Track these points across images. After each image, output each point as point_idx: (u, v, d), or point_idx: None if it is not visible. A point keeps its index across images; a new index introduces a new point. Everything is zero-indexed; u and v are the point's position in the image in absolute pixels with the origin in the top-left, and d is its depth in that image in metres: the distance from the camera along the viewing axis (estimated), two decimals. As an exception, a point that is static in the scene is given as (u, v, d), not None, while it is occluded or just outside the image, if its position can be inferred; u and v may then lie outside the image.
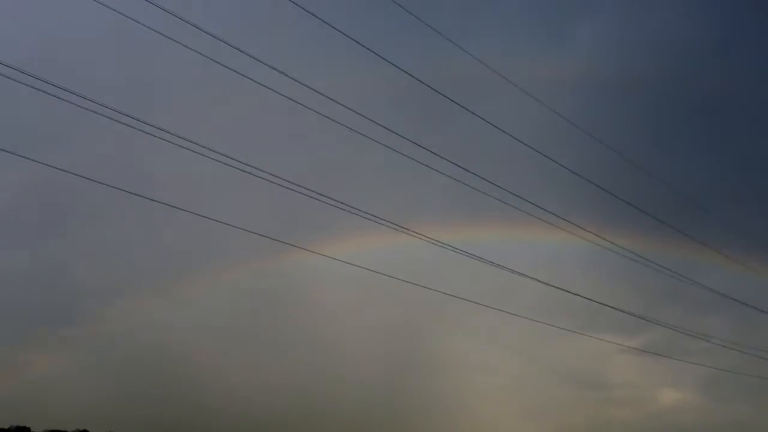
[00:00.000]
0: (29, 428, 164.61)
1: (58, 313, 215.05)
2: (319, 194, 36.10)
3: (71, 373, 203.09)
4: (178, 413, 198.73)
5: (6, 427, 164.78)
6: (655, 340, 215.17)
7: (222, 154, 31.82)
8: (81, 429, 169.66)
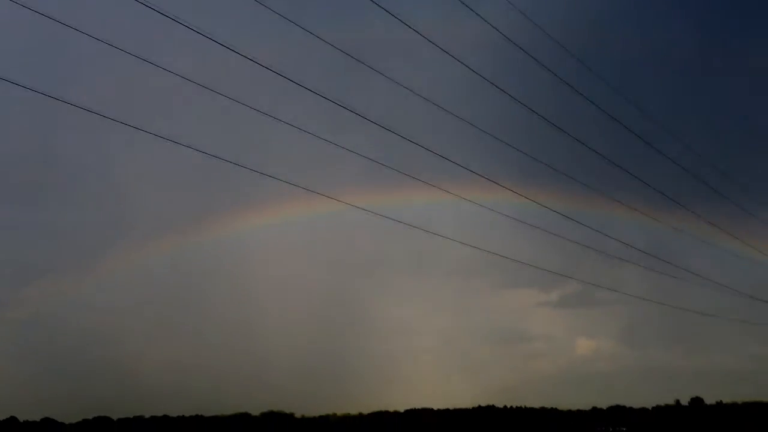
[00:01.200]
0: None
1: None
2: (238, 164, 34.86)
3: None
4: (102, 394, 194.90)
5: None
6: (571, 293, 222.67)
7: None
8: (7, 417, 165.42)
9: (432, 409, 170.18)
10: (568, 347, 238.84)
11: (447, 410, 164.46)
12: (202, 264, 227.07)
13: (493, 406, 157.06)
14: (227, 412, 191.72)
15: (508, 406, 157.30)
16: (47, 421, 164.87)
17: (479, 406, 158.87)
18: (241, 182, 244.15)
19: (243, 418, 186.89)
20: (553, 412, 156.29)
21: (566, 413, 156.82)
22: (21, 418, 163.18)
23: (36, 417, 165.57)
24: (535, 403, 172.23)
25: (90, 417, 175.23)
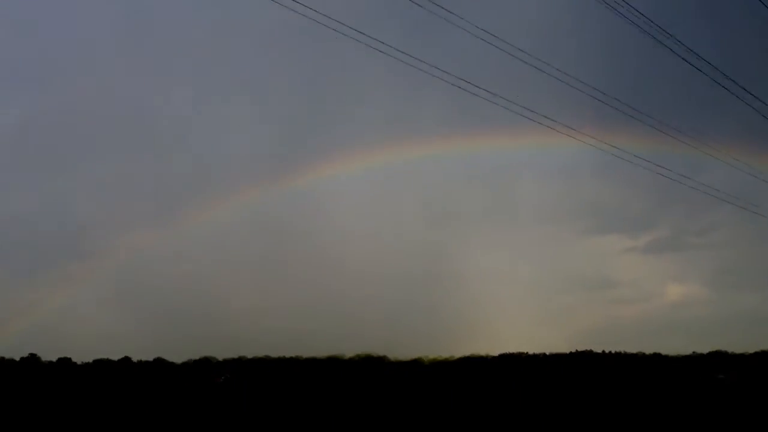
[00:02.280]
0: (39, 357, 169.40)
1: (65, 251, 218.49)
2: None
3: (83, 306, 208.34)
4: (188, 339, 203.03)
5: (19, 357, 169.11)
6: (659, 239, 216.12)
7: None
8: (100, 358, 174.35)
9: (526, 353, 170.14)
10: (658, 293, 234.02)
11: (542, 355, 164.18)
12: (284, 214, 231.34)
13: (591, 350, 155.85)
14: (321, 355, 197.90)
15: (607, 351, 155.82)
16: (159, 361, 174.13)
17: (576, 351, 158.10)
18: (319, 132, 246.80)
19: (336, 361, 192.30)
20: (655, 357, 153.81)
21: (666, 358, 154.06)
22: (134, 358, 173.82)
23: (149, 357, 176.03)
24: (630, 348, 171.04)
25: (196, 357, 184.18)
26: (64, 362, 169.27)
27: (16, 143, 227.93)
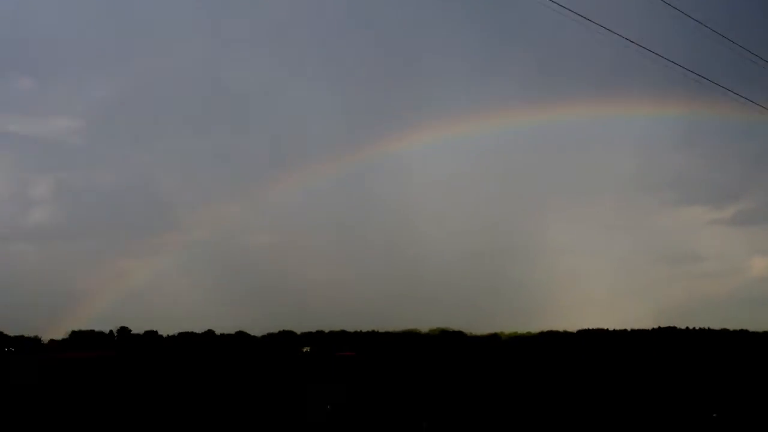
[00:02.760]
0: (130, 329, 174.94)
1: (151, 223, 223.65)
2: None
3: (168, 278, 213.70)
4: (268, 312, 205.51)
5: (109, 330, 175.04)
6: (746, 210, 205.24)
7: None
8: (184, 331, 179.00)
9: (606, 329, 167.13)
10: (743, 267, 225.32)
11: (623, 331, 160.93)
12: (366, 184, 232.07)
13: (675, 327, 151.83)
14: (399, 329, 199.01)
15: (691, 328, 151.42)
16: (240, 334, 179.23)
17: (659, 327, 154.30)
18: (401, 103, 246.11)
19: (413, 335, 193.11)
20: (742, 333, 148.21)
21: (754, 335, 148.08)
22: (217, 331, 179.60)
23: (231, 328, 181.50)
24: (714, 324, 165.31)
25: (275, 331, 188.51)
26: (151, 335, 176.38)
27: (105, 120, 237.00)
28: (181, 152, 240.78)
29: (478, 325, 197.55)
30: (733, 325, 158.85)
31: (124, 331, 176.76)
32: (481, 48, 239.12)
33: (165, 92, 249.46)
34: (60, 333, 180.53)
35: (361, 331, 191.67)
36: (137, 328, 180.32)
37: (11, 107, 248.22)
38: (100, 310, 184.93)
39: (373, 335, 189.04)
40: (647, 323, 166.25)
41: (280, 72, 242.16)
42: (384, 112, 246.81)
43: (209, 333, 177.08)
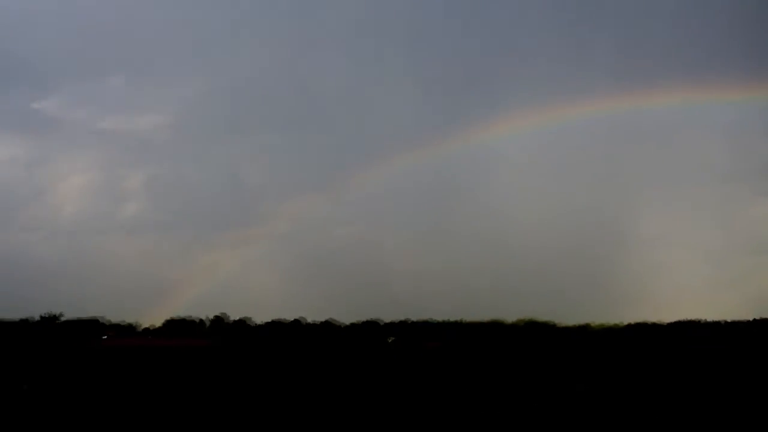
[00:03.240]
0: (223, 317, 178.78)
1: (238, 216, 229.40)
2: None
3: (254, 268, 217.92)
4: (355, 300, 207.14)
5: (204, 317, 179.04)
6: None
7: None
8: (275, 319, 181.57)
9: (701, 321, 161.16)
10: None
11: (718, 323, 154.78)
12: (449, 175, 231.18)
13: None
14: (484, 319, 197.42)
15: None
16: (327, 324, 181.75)
17: (760, 318, 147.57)
18: (484, 91, 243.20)
19: (498, 325, 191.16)
20: None
21: None
22: (306, 320, 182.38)
23: (319, 319, 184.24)
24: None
25: (360, 321, 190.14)
26: (241, 324, 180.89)
27: (193, 117, 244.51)
28: (265, 147, 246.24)
29: (566, 316, 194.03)
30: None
31: (218, 320, 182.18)
32: (569, 33, 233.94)
33: (249, 89, 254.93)
34: (154, 321, 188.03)
35: (447, 321, 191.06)
36: (227, 317, 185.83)
37: (103, 105, 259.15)
38: (189, 300, 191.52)
39: (458, 326, 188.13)
40: (742, 315, 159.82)
41: (362, 64, 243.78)
42: (469, 101, 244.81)
43: (297, 322, 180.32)
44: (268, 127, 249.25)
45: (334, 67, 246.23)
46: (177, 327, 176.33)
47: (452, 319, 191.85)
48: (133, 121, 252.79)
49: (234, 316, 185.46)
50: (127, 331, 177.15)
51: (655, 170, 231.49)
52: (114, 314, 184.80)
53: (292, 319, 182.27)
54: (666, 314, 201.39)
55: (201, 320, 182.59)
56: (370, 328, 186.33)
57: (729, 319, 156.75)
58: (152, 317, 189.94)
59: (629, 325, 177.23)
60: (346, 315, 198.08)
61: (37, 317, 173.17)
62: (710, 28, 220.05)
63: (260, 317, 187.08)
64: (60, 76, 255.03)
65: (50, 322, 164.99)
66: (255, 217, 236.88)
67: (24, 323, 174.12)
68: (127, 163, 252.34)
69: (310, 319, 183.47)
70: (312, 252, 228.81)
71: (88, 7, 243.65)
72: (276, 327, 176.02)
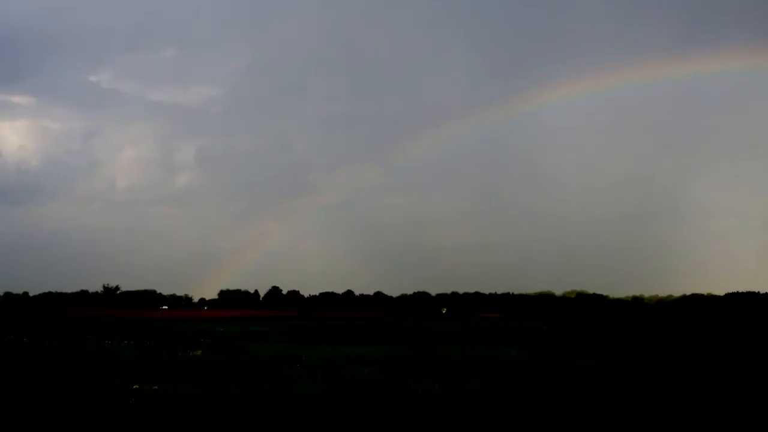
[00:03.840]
0: (280, 289, 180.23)
1: (288, 187, 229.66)
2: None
3: (305, 239, 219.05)
4: (406, 271, 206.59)
5: (257, 289, 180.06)
6: None
7: None
8: (345, 290, 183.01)
9: (757, 292, 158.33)
10: None
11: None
12: (505, 144, 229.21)
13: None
14: (532, 291, 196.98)
15: None
16: (378, 295, 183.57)
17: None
18: (540, 58, 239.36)
19: (548, 297, 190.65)
20: None
21: None
22: (356, 292, 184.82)
23: (369, 291, 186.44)
24: None
25: (410, 292, 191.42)
26: (294, 294, 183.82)
27: (244, 88, 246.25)
28: (316, 117, 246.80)
29: (617, 288, 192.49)
30: None
31: (275, 291, 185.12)
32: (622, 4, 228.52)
33: (300, 58, 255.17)
34: (208, 292, 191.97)
35: (495, 293, 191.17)
36: (282, 287, 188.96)
37: (156, 77, 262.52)
38: (243, 271, 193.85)
39: (509, 297, 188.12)
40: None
41: (414, 32, 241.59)
42: (523, 67, 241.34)
43: (349, 293, 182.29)
44: (320, 96, 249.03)
45: (387, 36, 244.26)
46: (232, 298, 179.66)
47: (500, 291, 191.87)
48: (185, 92, 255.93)
49: (284, 287, 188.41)
50: (182, 302, 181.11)
51: (711, 139, 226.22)
52: (166, 286, 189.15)
53: (342, 291, 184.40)
54: (722, 286, 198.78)
55: (256, 291, 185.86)
56: (420, 299, 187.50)
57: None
58: (204, 289, 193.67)
59: (684, 297, 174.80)
60: (397, 286, 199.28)
61: (94, 289, 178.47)
62: None
63: (312, 288, 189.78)
64: (114, 48, 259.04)
65: (111, 293, 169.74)
66: (305, 187, 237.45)
67: (84, 294, 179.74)
68: (179, 134, 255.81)
69: (358, 292, 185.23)
70: (362, 222, 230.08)
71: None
72: (327, 298, 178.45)
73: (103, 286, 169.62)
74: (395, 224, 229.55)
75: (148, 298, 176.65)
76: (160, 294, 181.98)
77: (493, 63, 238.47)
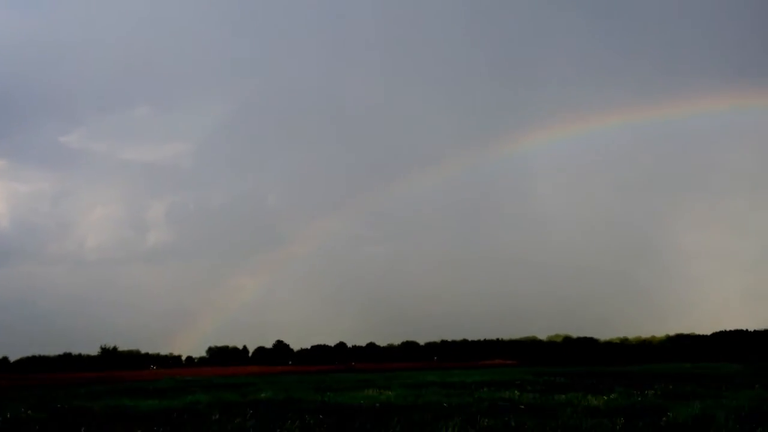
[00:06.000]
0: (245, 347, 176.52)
1: (261, 241, 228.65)
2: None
3: (280, 292, 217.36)
4: (380, 318, 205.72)
5: (232, 346, 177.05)
6: None
7: None
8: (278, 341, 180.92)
9: (745, 330, 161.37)
10: None
11: (765, 331, 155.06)
12: (483, 190, 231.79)
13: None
14: (517, 337, 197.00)
15: None
16: (371, 346, 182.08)
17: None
18: (517, 102, 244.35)
19: (533, 343, 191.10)
20: None
21: None
22: (349, 343, 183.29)
23: (362, 342, 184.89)
24: None
25: (398, 343, 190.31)
26: (283, 347, 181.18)
27: (214, 143, 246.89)
28: (288, 170, 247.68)
29: (601, 331, 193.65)
30: None
31: (261, 348, 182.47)
32: (603, 48, 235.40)
33: (271, 112, 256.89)
34: (190, 350, 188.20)
35: (484, 339, 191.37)
36: (262, 341, 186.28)
37: (128, 135, 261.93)
38: (218, 327, 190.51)
39: (498, 344, 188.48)
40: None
41: (388, 81, 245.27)
42: (498, 113, 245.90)
43: (341, 345, 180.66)
44: (292, 149, 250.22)
45: (359, 85, 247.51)
46: (221, 355, 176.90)
47: (487, 338, 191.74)
48: (155, 150, 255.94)
49: (261, 342, 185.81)
50: (170, 361, 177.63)
51: (691, 181, 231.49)
52: (141, 345, 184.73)
53: (334, 343, 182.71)
54: (707, 326, 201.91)
55: (244, 347, 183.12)
56: (408, 349, 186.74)
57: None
58: (179, 346, 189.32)
59: (670, 337, 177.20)
60: (379, 337, 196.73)
61: (75, 351, 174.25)
62: (746, 35, 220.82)
63: (294, 342, 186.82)
64: (85, 108, 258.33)
65: (110, 355, 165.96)
66: (279, 240, 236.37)
67: (67, 357, 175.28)
68: (150, 192, 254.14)
69: (353, 343, 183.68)
70: (338, 273, 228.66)
71: (111, 41, 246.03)
72: (319, 351, 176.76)
73: (101, 348, 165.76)
74: (373, 274, 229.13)
75: (135, 358, 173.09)
76: (147, 354, 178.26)
77: (466, 110, 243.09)
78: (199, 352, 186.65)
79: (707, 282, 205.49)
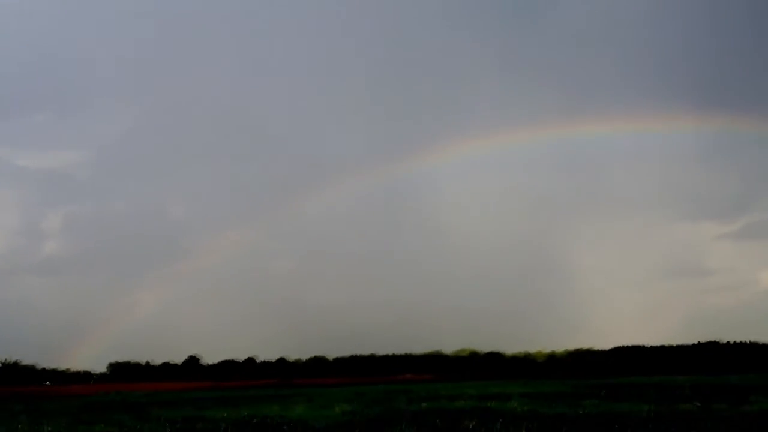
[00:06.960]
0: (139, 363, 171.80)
1: (162, 253, 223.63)
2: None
3: (181, 306, 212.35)
4: (287, 334, 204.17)
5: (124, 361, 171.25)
6: (756, 223, 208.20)
7: None
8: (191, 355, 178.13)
9: (642, 346, 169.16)
10: (752, 281, 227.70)
11: (660, 347, 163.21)
12: (392, 205, 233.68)
13: (717, 342, 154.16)
14: (422, 351, 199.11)
15: (732, 342, 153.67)
16: (281, 361, 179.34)
17: (699, 343, 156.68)
18: (430, 119, 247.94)
19: (437, 357, 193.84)
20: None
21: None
22: (259, 358, 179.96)
23: (272, 357, 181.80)
24: (734, 337, 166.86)
25: (306, 358, 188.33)
26: (194, 362, 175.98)
27: (115, 152, 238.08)
28: (192, 181, 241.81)
29: (503, 346, 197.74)
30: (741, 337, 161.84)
31: (166, 363, 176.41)
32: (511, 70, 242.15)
33: (179, 120, 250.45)
34: (89, 365, 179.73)
35: (393, 354, 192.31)
36: (167, 357, 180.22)
37: (24, 142, 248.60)
38: (112, 342, 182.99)
39: (405, 359, 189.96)
40: (681, 338, 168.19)
41: (304, 93, 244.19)
42: (410, 129, 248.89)
43: (250, 360, 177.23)
44: (196, 159, 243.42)
45: (273, 95, 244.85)
46: (123, 371, 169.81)
47: (399, 353, 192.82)
48: (53, 158, 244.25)
49: (157, 357, 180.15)
50: (67, 377, 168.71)
51: (592, 199, 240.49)
52: (30, 359, 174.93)
53: (243, 358, 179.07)
54: (600, 340, 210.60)
55: (147, 363, 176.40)
56: (316, 364, 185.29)
57: (668, 343, 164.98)
58: (72, 361, 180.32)
59: (571, 352, 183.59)
60: (284, 351, 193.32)
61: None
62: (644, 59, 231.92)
63: (181, 356, 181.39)
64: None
65: (12, 368, 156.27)
66: (181, 253, 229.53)
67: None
68: (45, 201, 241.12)
69: (264, 358, 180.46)
70: (242, 287, 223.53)
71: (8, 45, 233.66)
72: (229, 366, 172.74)
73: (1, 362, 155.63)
74: (278, 288, 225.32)
75: (29, 373, 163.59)
76: (43, 369, 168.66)
77: (376, 122, 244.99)
78: (99, 368, 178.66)
79: (605, 298, 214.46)
